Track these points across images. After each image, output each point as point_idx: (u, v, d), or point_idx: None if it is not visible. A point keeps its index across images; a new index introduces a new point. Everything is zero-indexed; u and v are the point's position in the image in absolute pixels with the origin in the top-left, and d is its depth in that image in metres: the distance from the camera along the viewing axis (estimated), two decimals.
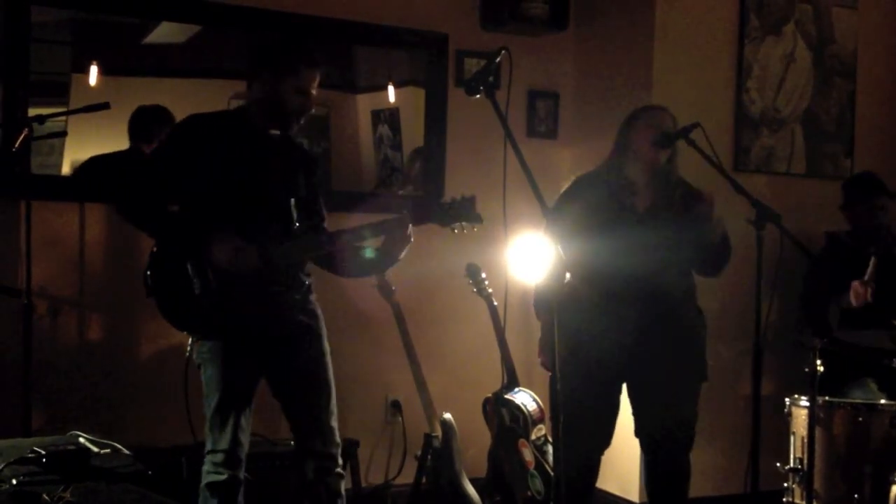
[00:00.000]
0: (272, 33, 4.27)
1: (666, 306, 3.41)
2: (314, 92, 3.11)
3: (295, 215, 3.12)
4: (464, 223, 3.09)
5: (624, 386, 3.55)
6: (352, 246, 3.15)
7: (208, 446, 3.08)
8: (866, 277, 4.01)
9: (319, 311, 3.22)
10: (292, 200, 3.13)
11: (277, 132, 3.14)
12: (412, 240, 3.10)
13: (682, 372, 3.47)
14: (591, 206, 3.44)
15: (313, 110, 3.15)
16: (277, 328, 3.10)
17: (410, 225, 3.08)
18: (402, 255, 3.14)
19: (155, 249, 3.05)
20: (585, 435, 3.45)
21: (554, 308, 2.52)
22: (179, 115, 4.06)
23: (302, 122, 3.16)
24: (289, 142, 3.20)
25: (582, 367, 3.39)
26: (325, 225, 3.27)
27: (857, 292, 4.03)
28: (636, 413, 3.55)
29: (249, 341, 3.07)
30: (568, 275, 3.21)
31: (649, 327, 3.39)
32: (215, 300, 2.98)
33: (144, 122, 4.07)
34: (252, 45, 3.35)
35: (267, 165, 3.10)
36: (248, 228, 3.01)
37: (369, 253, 3.14)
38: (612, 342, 3.39)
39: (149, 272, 3.03)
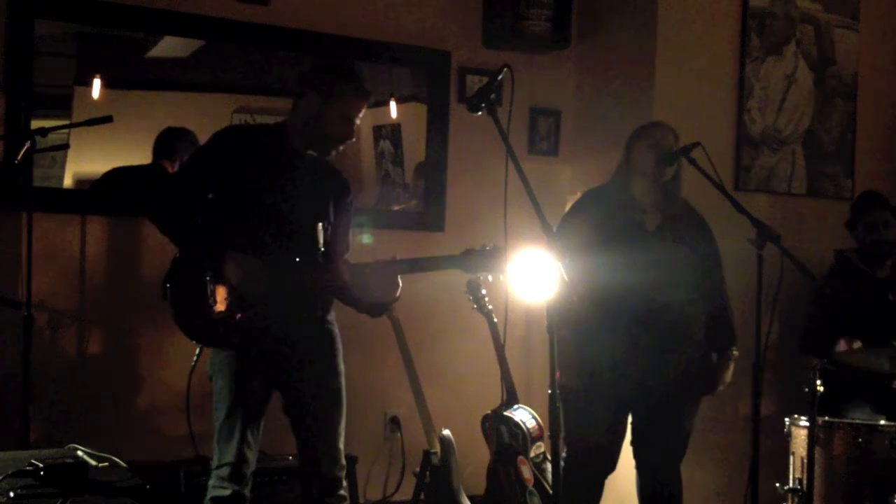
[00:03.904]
0: (275, 48, 4.29)
1: (676, 326, 3.42)
2: (358, 121, 3.10)
3: (321, 239, 3.12)
4: (488, 273, 3.08)
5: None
6: (358, 280, 3.14)
7: (214, 460, 3.07)
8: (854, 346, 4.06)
9: (336, 331, 3.20)
10: (320, 224, 3.12)
11: (314, 154, 3.13)
12: (398, 285, 3.10)
13: (687, 392, 3.48)
14: (599, 220, 3.46)
15: (354, 139, 3.13)
16: (293, 345, 3.09)
17: (398, 275, 3.08)
18: (392, 297, 3.13)
19: (177, 256, 3.05)
20: (594, 461, 3.46)
21: (553, 327, 2.51)
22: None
23: (342, 148, 3.14)
24: (324, 165, 3.18)
25: (595, 396, 3.40)
26: (347, 256, 3.25)
27: (841, 344, 4.07)
28: (634, 425, 3.55)
29: (262, 356, 3.06)
30: (574, 296, 3.24)
31: (659, 349, 3.39)
32: (229, 313, 2.97)
33: (171, 141, 4.10)
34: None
35: (298, 186, 3.08)
36: (270, 247, 3.01)
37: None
38: (623, 373, 3.39)
39: (168, 278, 3.03)
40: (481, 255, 3.06)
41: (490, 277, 3.11)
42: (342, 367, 3.18)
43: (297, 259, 3.04)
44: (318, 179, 3.14)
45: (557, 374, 3.43)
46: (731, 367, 3.51)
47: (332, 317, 3.20)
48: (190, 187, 3.07)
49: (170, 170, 4.06)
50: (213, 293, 2.97)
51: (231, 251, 2.96)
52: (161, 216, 3.07)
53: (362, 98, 3.09)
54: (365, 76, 4.60)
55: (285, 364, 3.09)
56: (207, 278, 2.96)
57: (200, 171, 3.08)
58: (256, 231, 3.02)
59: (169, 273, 3.04)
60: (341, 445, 3.16)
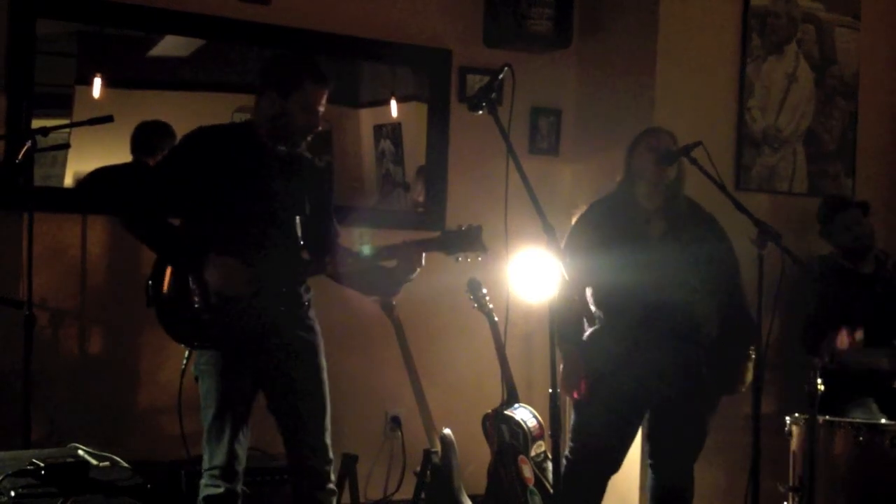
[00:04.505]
0: (276, 47, 4.29)
1: (683, 326, 3.42)
2: (321, 109, 3.09)
3: (300, 233, 3.12)
4: (468, 253, 3.08)
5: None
6: (358, 267, 3.13)
7: (205, 459, 3.07)
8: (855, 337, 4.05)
9: (317, 327, 3.20)
10: (297, 218, 3.12)
11: (284, 148, 3.13)
12: (422, 264, 3.10)
13: (705, 392, 3.48)
14: (602, 225, 3.46)
15: (320, 128, 3.13)
16: (275, 343, 3.09)
17: (423, 253, 3.07)
18: (410, 278, 3.13)
19: (159, 260, 3.06)
20: (598, 462, 3.47)
21: (555, 330, 2.52)
22: (183, 128, 4.09)
23: (309, 139, 3.14)
24: (297, 158, 3.17)
25: (604, 400, 3.40)
26: (339, 240, 3.26)
27: (843, 339, 4.05)
28: (651, 425, 3.55)
29: (247, 355, 3.06)
30: (593, 307, 3.25)
31: (663, 350, 3.39)
32: (214, 315, 2.98)
33: (147, 136, 4.10)
34: (261, 59, 3.34)
35: (272, 182, 3.09)
36: (251, 246, 3.01)
37: (367, 250, 3.14)
38: (629, 374, 3.39)
39: (151, 282, 3.04)
40: (458, 236, 3.06)
41: (470, 259, 3.10)
42: (324, 363, 3.19)
43: (277, 255, 3.05)
44: (292, 173, 3.14)
45: (575, 394, 3.45)
46: (751, 366, 3.49)
47: (312, 313, 3.21)
48: (162, 189, 3.06)
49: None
50: (196, 295, 2.97)
51: (211, 254, 2.96)
52: (132, 219, 3.08)
53: (321, 86, 3.07)
54: (365, 75, 4.65)
55: (269, 362, 3.10)
56: (190, 280, 2.97)
57: (172, 173, 3.08)
58: (234, 230, 3.02)
59: (152, 276, 3.04)
60: (328, 440, 3.16)
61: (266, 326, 3.06)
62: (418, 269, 3.10)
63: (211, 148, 3.07)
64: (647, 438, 3.58)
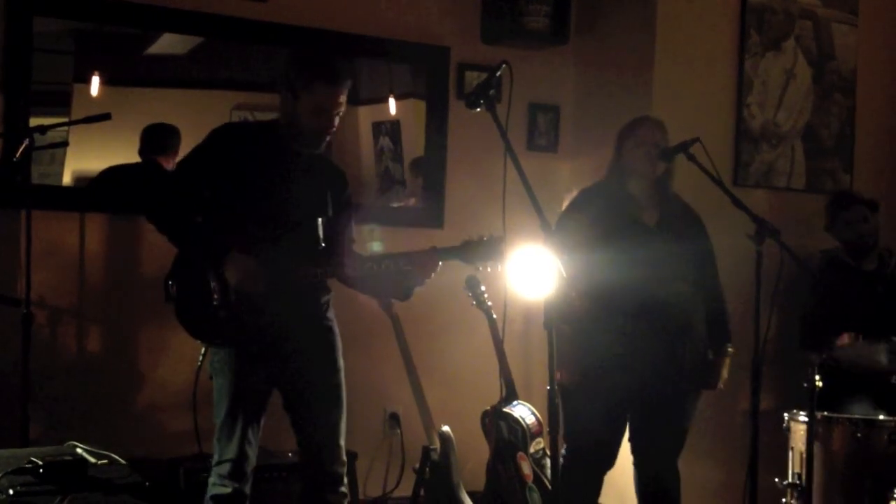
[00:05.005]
0: (273, 45, 4.28)
1: (677, 320, 3.42)
2: (338, 111, 3.03)
3: (321, 235, 3.11)
4: (487, 263, 3.07)
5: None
6: (374, 273, 3.13)
7: (215, 457, 3.07)
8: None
9: (336, 328, 3.20)
10: (319, 220, 3.10)
11: (305, 148, 3.10)
12: (437, 270, 3.08)
13: (687, 387, 3.49)
14: (597, 217, 3.46)
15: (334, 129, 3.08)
16: (293, 343, 3.09)
17: (440, 262, 3.06)
18: (423, 283, 3.12)
19: (179, 256, 3.05)
20: (593, 457, 3.47)
21: (553, 325, 2.52)
22: (183, 125, 4.11)
23: (327, 140, 3.10)
24: (319, 159, 3.16)
25: (595, 392, 3.40)
26: (353, 245, 3.25)
27: (843, 338, 4.06)
28: (633, 420, 3.55)
29: (263, 353, 3.06)
30: (573, 293, 3.24)
31: (660, 344, 3.39)
32: (232, 312, 2.97)
33: (158, 136, 4.12)
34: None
35: (294, 183, 3.07)
36: (271, 245, 3.00)
37: (376, 246, 3.14)
38: (623, 368, 3.39)
39: (170, 278, 3.03)
40: (480, 246, 3.06)
41: (490, 269, 3.09)
42: (341, 363, 3.18)
43: (296, 255, 3.04)
44: (314, 174, 3.13)
45: (558, 375, 3.45)
46: (728, 363, 3.52)
47: (331, 314, 3.20)
48: (188, 185, 3.06)
49: (165, 166, 4.07)
50: (216, 292, 2.97)
51: (231, 252, 2.96)
52: (159, 214, 3.07)
53: (335, 87, 3.00)
54: (363, 72, 4.64)
55: (284, 361, 3.09)
56: (210, 277, 2.96)
57: (198, 169, 3.08)
58: (255, 228, 3.02)
59: (171, 272, 3.04)
60: (342, 442, 3.16)
61: (281, 326, 3.05)
62: (432, 275, 3.10)
63: (233, 145, 3.06)
64: (629, 437, 3.58)
